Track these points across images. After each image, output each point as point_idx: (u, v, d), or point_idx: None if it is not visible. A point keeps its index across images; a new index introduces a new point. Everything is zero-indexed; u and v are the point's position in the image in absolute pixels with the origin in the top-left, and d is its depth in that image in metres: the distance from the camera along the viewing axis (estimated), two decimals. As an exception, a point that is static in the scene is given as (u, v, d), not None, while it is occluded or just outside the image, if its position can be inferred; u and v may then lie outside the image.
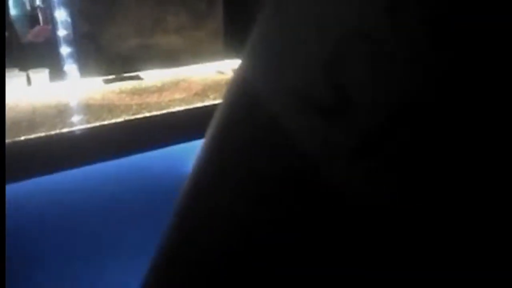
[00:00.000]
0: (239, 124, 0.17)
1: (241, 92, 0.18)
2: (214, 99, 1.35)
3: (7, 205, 0.97)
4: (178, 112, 1.27)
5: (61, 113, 1.18)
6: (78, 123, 1.14)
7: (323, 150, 0.14)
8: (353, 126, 0.13)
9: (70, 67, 1.40)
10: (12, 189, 1.03)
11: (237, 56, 1.63)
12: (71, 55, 1.40)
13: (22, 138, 1.04)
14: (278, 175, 0.15)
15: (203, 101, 1.32)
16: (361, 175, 0.13)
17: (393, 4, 0.12)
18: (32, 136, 1.05)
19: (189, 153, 1.29)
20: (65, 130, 1.09)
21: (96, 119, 1.15)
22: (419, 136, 0.12)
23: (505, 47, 0.11)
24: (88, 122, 1.14)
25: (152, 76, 1.50)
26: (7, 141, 1.03)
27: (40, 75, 1.33)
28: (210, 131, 0.19)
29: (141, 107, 1.25)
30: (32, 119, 1.14)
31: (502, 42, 0.11)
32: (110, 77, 1.43)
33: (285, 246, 0.15)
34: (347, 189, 0.13)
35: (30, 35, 1.48)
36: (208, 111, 1.31)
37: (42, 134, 1.07)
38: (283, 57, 0.15)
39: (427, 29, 0.12)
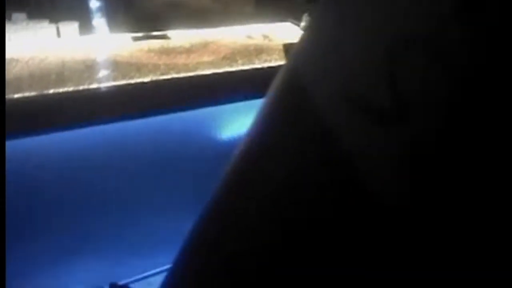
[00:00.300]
0: (287, 120, 0.17)
1: (291, 83, 0.17)
2: (243, 64, 1.33)
3: (30, 158, 0.98)
4: (206, 75, 1.25)
5: (89, 68, 1.17)
6: (105, 80, 1.13)
7: (373, 155, 0.13)
8: (408, 133, 0.12)
9: (99, 22, 1.38)
10: (36, 141, 1.03)
11: (267, 21, 1.59)
12: (100, 9, 1.38)
13: (51, 91, 1.04)
14: (322, 176, 0.14)
15: (231, 66, 1.30)
16: (409, 185, 0.12)
17: (458, 10, 0.11)
18: (61, 90, 1.05)
19: (214, 117, 1.27)
20: (93, 86, 1.08)
21: (124, 77, 1.14)
22: (473, 148, 0.12)
23: None
24: (115, 80, 1.13)
25: (180, 36, 1.47)
26: (34, 93, 1.03)
27: (70, 28, 1.31)
28: (259, 113, 0.19)
29: (169, 68, 1.23)
30: (61, 73, 1.13)
31: None
32: (139, 34, 1.41)
33: (321, 246, 0.15)
34: (391, 198, 0.13)
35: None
36: (236, 76, 1.29)
37: (70, 88, 1.06)
38: (337, 56, 0.14)
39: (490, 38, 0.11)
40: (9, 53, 1.15)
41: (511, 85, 0.11)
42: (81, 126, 1.06)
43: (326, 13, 0.16)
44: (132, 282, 1.29)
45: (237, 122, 1.51)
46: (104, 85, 1.11)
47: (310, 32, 0.17)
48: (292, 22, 1.56)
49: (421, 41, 0.12)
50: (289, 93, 0.17)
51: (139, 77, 1.15)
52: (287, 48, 1.35)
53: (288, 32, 1.53)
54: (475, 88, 0.11)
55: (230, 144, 1.45)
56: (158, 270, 1.36)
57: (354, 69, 0.14)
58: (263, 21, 1.60)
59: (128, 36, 1.40)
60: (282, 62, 1.34)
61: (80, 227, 1.19)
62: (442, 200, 0.12)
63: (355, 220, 0.14)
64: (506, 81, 0.11)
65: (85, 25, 1.35)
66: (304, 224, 0.15)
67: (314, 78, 0.15)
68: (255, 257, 0.17)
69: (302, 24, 1.51)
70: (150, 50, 1.34)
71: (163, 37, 1.44)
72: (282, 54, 1.37)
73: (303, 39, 0.17)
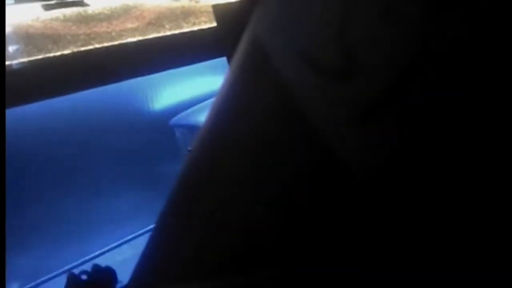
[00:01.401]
0: (249, 84, 0.17)
1: (252, 50, 0.17)
2: (170, 29, 1.26)
3: None
4: (131, 43, 1.18)
5: (-3, 43, 1.06)
6: (19, 56, 1.02)
7: (328, 113, 0.13)
8: (358, 89, 0.13)
9: (3, -10, 1.23)
10: None
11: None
12: (2, -25, 1.23)
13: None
14: (286, 139, 0.15)
15: (158, 32, 1.23)
16: (364, 141, 0.13)
17: None
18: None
19: (146, 87, 1.23)
20: (5, 63, 0.98)
21: (40, 51, 1.04)
22: (424, 100, 0.12)
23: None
24: (30, 55, 1.03)
25: (99, 2, 1.36)
26: None
27: (-32, -1, 1.17)
28: (222, 84, 0.19)
29: (90, 38, 1.14)
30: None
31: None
32: (51, 2, 1.29)
33: (288, 213, 0.14)
34: (350, 154, 0.13)
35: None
36: (164, 42, 1.23)
37: (-22, 68, 0.95)
38: (295, 18, 0.15)
39: None
40: None
41: (457, 31, 0.12)
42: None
43: None
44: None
45: (169, 91, 1.45)
46: (18, 61, 1.01)
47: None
48: (219, -19, 1.50)
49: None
50: (251, 60, 0.17)
51: (57, 50, 1.05)
52: (216, 9, 1.29)
53: (215, -8, 1.47)
54: (421, 46, 0.12)
55: (162, 114, 1.40)
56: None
57: (310, 28, 0.14)
58: (187, -18, 1.52)
59: (37, 5, 1.27)
60: (211, 24, 1.29)
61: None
62: (396, 155, 0.13)
63: (321, 184, 0.14)
64: (451, 29, 0.12)
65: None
66: (269, 190, 0.15)
67: (274, 41, 0.15)
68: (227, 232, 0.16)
69: (229, -17, 1.45)
70: (66, 19, 1.23)
71: (80, 3, 1.33)
72: (211, 16, 1.32)
73: (261, 4, 0.17)
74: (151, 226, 1.43)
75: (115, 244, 1.39)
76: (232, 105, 0.17)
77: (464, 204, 0.12)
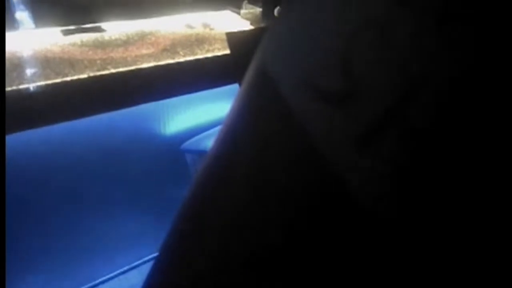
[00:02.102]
0: (256, 111, 0.17)
1: (258, 77, 0.17)
2: (184, 55, 1.28)
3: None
4: (146, 68, 1.19)
5: (17, 67, 1.07)
6: (36, 79, 1.04)
7: (331, 138, 0.13)
8: (359, 112, 0.13)
9: (23, 15, 1.26)
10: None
11: (206, 9, 1.54)
12: (23, 1, 1.26)
13: (-26, 94, 0.94)
14: (290, 165, 0.15)
15: (173, 58, 1.24)
16: (367, 164, 0.13)
17: None
18: (-15, 92, 0.95)
19: (159, 112, 1.23)
20: (22, 86, 0.99)
21: (57, 75, 1.06)
22: (424, 122, 0.12)
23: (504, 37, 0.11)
24: (48, 78, 1.04)
25: (115, 28, 1.39)
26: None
27: (-11, 23, 1.19)
28: (229, 110, 0.19)
29: (105, 62, 1.16)
30: (-17, 73, 1.02)
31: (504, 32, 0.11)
32: (70, 27, 1.31)
33: (291, 237, 0.14)
34: (352, 177, 0.13)
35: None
36: (178, 68, 1.24)
37: (-3, 90, 0.96)
38: (301, 46, 0.15)
39: (435, 20, 0.12)
40: None
41: (450, 65, 0.12)
42: (13, 131, 0.96)
43: (291, 6, 0.17)
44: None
45: (181, 116, 1.46)
46: (36, 84, 1.02)
47: (275, 27, 0.17)
48: (232, 10, 1.53)
49: (371, 26, 0.13)
50: (258, 88, 0.17)
51: (73, 74, 1.07)
52: (229, 36, 1.31)
53: (229, 20, 1.50)
54: (416, 69, 0.12)
55: (174, 139, 1.41)
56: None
57: (313, 55, 0.15)
58: (202, 10, 1.55)
59: (57, 30, 1.29)
60: (225, 51, 1.31)
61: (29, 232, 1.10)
62: (399, 180, 0.13)
63: (323, 208, 0.14)
64: (445, 60, 0.12)
65: (7, 20, 1.23)
66: (271, 217, 0.15)
67: (281, 69, 0.16)
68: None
69: (242, 11, 1.48)
70: (83, 44, 1.25)
71: (97, 29, 1.36)
72: (225, 43, 1.34)
73: (269, 33, 0.18)
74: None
75: (122, 270, 1.37)
76: (237, 131, 0.17)
77: (470, 229, 0.12)
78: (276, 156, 0.15)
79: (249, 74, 0.18)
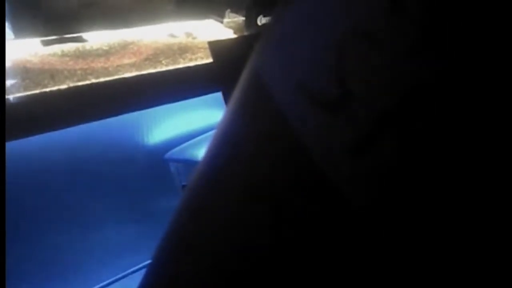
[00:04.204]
0: (249, 116, 0.17)
1: (252, 82, 0.17)
2: (167, 65, 1.28)
3: None
4: (128, 78, 1.19)
5: (-5, 78, 1.06)
6: (15, 90, 1.02)
7: (323, 145, 0.14)
8: (353, 118, 0.13)
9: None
10: None
11: (189, 18, 1.54)
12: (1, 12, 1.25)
13: (-50, 107, 0.92)
14: (284, 170, 0.15)
15: (155, 67, 1.24)
16: (361, 170, 0.13)
17: (393, 5, 0.13)
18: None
19: (142, 122, 1.22)
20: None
21: (36, 86, 1.05)
22: (420, 129, 0.12)
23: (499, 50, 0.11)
24: (27, 89, 1.03)
25: (97, 38, 1.39)
26: None
27: (-33, 34, 1.18)
28: (221, 118, 0.19)
29: (86, 73, 1.15)
30: (-39, 85, 1.01)
31: (498, 44, 0.11)
32: (50, 38, 1.30)
33: (285, 244, 0.14)
34: (346, 183, 0.13)
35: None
36: (160, 77, 1.24)
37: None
38: (294, 51, 0.15)
39: (423, 28, 0.12)
40: None
41: (445, 74, 0.12)
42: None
43: (283, 13, 0.17)
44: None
45: (164, 125, 1.46)
46: (15, 95, 1.01)
47: (269, 31, 0.17)
48: (215, 19, 1.53)
49: (363, 33, 0.13)
50: (251, 95, 0.17)
51: (53, 85, 1.06)
52: (212, 45, 1.32)
53: (212, 29, 1.50)
54: (416, 75, 0.12)
55: (157, 148, 1.40)
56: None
57: (307, 60, 0.15)
58: (184, 19, 1.55)
59: (37, 40, 1.28)
60: (208, 60, 1.31)
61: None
62: (390, 186, 0.13)
63: (318, 217, 0.14)
64: (442, 68, 0.12)
65: (-14, 30, 1.22)
66: (265, 226, 0.15)
67: (274, 74, 0.16)
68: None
69: (225, 20, 1.49)
70: (64, 54, 1.24)
71: (78, 39, 1.35)
72: (207, 51, 1.34)
73: (263, 38, 0.18)
74: (145, 263, 1.41)
75: (108, 281, 1.35)
76: (231, 138, 0.17)
77: (464, 234, 0.12)
78: (269, 161, 0.15)
79: (243, 77, 0.18)
